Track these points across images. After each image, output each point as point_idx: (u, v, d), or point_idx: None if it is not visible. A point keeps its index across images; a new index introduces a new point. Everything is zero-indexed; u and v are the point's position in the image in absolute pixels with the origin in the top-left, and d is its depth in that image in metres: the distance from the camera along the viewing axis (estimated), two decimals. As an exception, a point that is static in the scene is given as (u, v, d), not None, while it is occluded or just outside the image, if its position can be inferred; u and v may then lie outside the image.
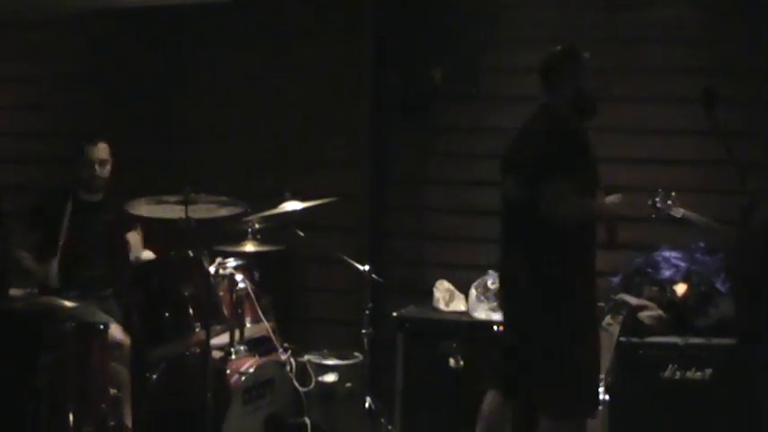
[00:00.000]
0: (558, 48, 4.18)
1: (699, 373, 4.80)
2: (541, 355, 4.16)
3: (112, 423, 4.67)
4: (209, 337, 4.38)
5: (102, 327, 4.66)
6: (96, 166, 5.10)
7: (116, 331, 4.86)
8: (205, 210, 4.71)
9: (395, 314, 5.33)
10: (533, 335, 4.17)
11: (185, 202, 4.54)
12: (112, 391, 4.70)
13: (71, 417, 4.47)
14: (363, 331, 5.11)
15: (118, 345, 4.84)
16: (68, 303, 4.72)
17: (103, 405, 4.63)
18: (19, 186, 6.21)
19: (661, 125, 5.40)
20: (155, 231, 5.01)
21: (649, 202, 4.72)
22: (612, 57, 5.31)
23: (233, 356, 4.76)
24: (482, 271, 5.42)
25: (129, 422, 4.84)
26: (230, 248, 5.16)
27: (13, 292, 5.44)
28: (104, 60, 6.34)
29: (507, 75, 5.58)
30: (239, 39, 6.03)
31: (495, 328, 5.14)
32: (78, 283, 5.08)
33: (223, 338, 4.88)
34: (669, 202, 4.81)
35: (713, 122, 4.01)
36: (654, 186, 4.76)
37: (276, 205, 5.03)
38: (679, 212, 4.82)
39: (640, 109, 5.41)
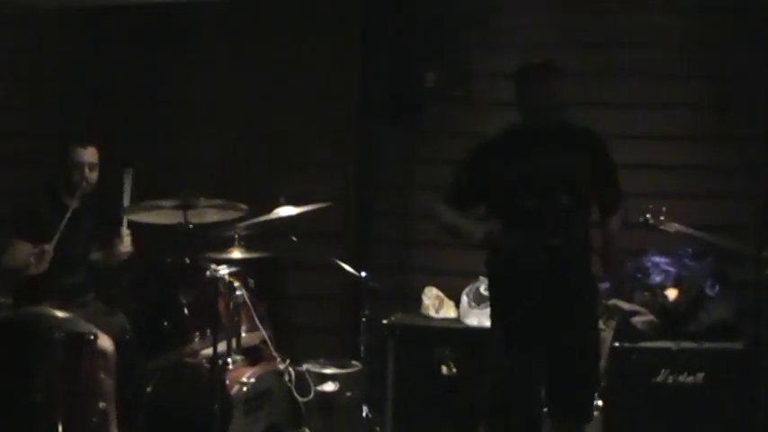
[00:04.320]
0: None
1: (691, 378, 5.00)
2: None
3: (102, 438, 4.67)
4: (216, 346, 4.41)
5: (92, 337, 4.63)
6: (86, 170, 5.03)
7: (103, 341, 4.80)
8: (201, 214, 4.70)
9: (385, 321, 5.39)
10: None
11: (184, 207, 4.52)
12: (101, 404, 4.67)
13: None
14: (360, 339, 5.18)
15: (104, 355, 4.78)
16: (59, 313, 4.67)
17: (94, 419, 4.62)
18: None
19: (648, 130, 5.58)
20: (144, 238, 4.96)
21: (641, 219, 4.89)
22: (601, 60, 5.47)
23: (230, 366, 4.78)
24: (471, 277, 5.52)
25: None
26: (217, 255, 5.15)
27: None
28: (87, 59, 6.26)
29: (498, 79, 5.61)
30: (227, 39, 6.05)
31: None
32: (60, 290, 5.01)
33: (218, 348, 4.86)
34: (662, 217, 4.98)
35: (726, 126, 4.16)
36: (639, 191, 4.94)
37: (270, 210, 5.06)
38: (672, 227, 4.99)
39: (627, 113, 5.56)
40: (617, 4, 5.68)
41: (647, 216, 5.07)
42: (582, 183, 4.18)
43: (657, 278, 5.33)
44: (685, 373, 4.99)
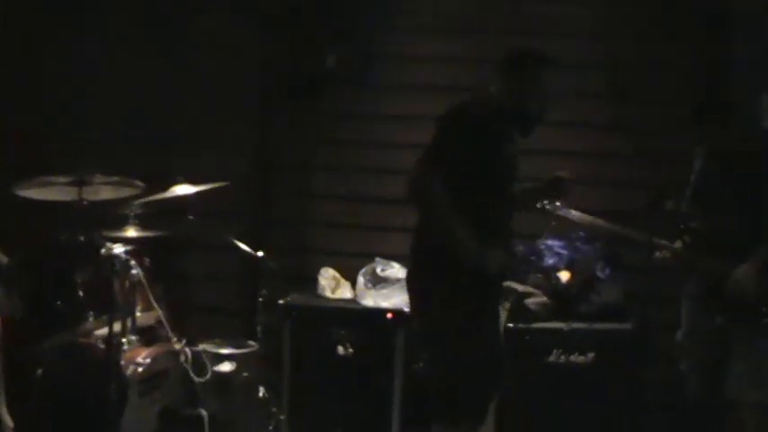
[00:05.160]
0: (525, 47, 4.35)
1: (582, 357, 5.15)
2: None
3: (-10, 422, 4.55)
4: (111, 325, 4.31)
5: (-21, 317, 4.51)
6: None
7: (-11, 320, 4.67)
8: (96, 191, 4.61)
9: (281, 302, 5.40)
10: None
11: (79, 183, 4.43)
12: (-12, 386, 4.56)
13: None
14: (256, 319, 5.16)
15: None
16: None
17: (-19, 403, 4.50)
18: None
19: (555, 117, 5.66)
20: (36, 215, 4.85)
21: (538, 206, 4.96)
22: (503, 48, 5.50)
23: (125, 347, 4.69)
24: (367, 259, 5.58)
25: (8, 420, 4.66)
26: (113, 234, 5.03)
27: None
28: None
29: (402, 63, 5.77)
30: (127, 14, 5.88)
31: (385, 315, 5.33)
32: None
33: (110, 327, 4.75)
34: (558, 203, 5.07)
35: (622, 114, 4.27)
36: (537, 176, 5.02)
37: (166, 189, 4.99)
38: (568, 213, 5.09)
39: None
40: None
41: (544, 202, 5.16)
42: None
43: (551, 261, 5.47)
44: (576, 353, 5.14)
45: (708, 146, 4.62)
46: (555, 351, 5.14)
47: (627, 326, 5.17)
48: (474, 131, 4.14)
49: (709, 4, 5.58)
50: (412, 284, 4.35)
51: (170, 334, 4.93)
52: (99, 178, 4.54)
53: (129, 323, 4.77)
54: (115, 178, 4.64)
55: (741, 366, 4.46)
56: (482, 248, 4.08)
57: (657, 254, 4.60)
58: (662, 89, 5.61)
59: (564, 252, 5.49)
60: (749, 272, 4.41)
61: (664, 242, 4.61)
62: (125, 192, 4.81)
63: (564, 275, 5.40)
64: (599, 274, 5.42)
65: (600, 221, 5.02)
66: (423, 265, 4.27)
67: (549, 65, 4.28)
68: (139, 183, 4.77)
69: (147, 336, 4.96)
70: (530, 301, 5.27)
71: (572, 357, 5.14)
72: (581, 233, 5.50)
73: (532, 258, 5.49)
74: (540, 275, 5.40)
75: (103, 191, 4.68)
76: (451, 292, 4.11)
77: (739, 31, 5.53)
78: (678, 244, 4.61)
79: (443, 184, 4.08)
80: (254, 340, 5.21)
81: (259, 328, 5.19)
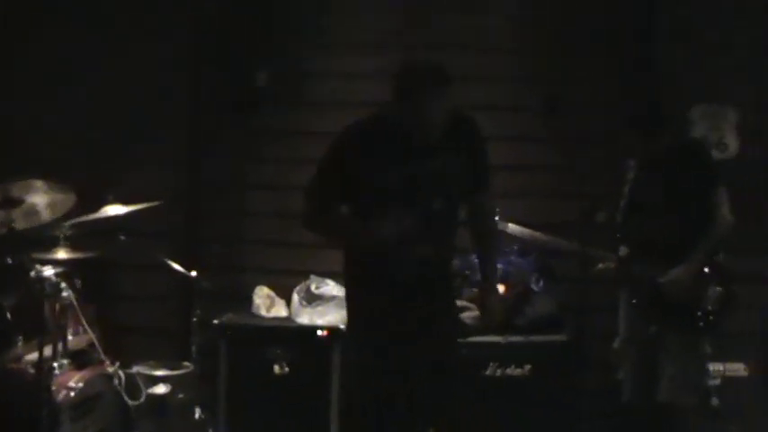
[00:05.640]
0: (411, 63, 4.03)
1: (519, 370, 5.19)
2: None
3: None
4: (42, 350, 4.23)
5: None
6: None
7: None
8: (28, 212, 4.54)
9: (216, 321, 5.35)
10: None
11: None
12: None
13: None
14: (191, 340, 5.11)
15: None
16: None
17: None
18: None
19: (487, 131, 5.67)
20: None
21: None
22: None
23: (57, 371, 4.59)
24: (301, 276, 5.57)
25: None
26: (42, 255, 4.92)
27: None
28: None
29: (332, 80, 5.77)
30: (60, 30, 5.81)
31: (319, 332, 5.30)
32: None
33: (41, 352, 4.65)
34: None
35: (553, 127, 4.29)
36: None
37: (97, 209, 4.92)
38: (505, 227, 5.11)
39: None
40: (446, 6, 5.79)
41: None
42: (458, 181, 4.04)
43: (485, 275, 5.50)
44: (513, 366, 5.18)
45: (640, 156, 4.69)
46: (491, 364, 5.18)
47: (562, 337, 5.23)
48: (362, 150, 3.94)
49: (637, 15, 5.67)
50: (346, 296, 4.25)
51: (103, 357, 4.87)
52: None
53: (60, 347, 4.68)
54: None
55: (673, 369, 4.53)
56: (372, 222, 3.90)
57: (601, 265, 4.65)
58: (591, 101, 5.65)
59: (498, 266, 5.52)
60: (684, 273, 4.50)
61: (602, 253, 4.67)
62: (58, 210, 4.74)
63: (499, 289, 5.45)
64: (533, 286, 5.49)
65: (538, 234, 5.07)
66: (353, 279, 4.18)
67: (437, 80, 3.90)
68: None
69: (79, 359, 4.87)
70: (465, 316, 5.28)
71: (509, 370, 5.18)
72: (515, 246, 5.56)
73: (467, 272, 5.51)
74: (474, 289, 5.41)
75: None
76: (387, 301, 3.98)
77: (666, 43, 5.67)
78: (615, 254, 4.67)
79: (331, 206, 4.04)
80: (189, 361, 5.16)
81: (194, 349, 5.14)
